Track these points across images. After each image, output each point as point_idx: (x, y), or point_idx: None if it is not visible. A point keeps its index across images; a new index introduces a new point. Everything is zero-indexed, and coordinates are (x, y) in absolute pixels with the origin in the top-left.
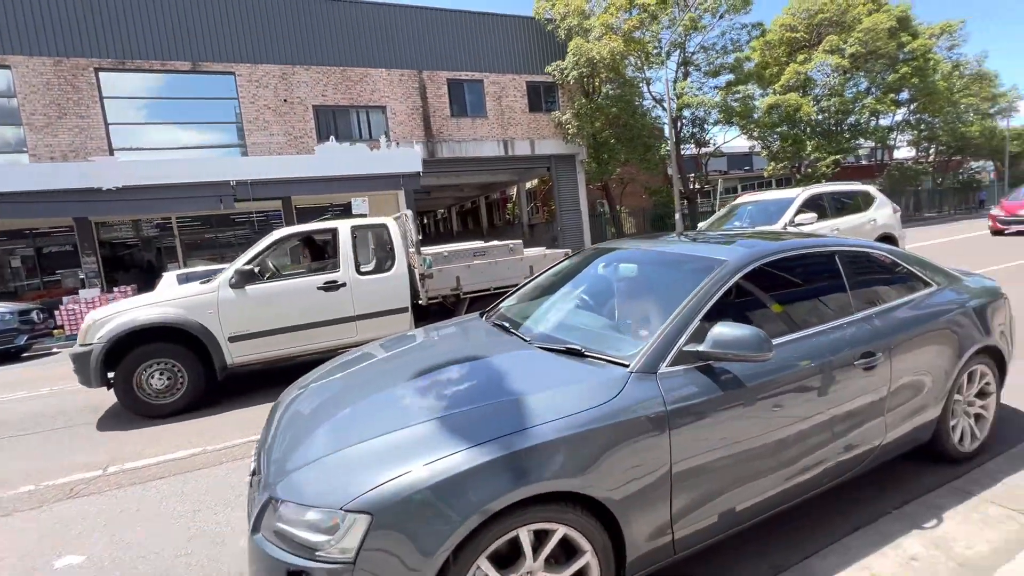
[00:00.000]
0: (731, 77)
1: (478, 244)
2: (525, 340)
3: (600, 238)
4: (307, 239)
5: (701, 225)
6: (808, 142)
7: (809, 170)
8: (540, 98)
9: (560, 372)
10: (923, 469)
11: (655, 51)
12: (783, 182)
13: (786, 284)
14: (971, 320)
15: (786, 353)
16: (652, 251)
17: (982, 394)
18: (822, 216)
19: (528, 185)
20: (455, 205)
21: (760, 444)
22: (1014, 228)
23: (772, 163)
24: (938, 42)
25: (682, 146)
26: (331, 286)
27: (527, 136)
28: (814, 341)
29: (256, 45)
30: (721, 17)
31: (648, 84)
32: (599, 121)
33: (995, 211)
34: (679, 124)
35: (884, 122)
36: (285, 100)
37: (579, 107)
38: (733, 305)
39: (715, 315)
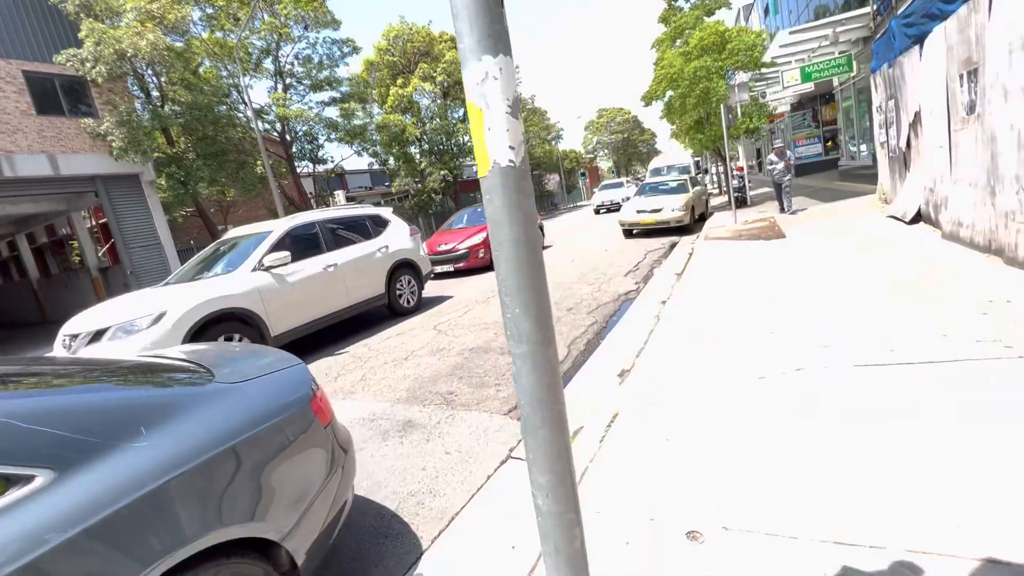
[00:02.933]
0: (335, 94)
1: None
2: None
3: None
4: None
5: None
6: (421, 159)
7: (419, 185)
8: (58, 98)
9: None
10: None
11: (246, 55)
12: (405, 197)
13: None
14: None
15: None
16: None
17: None
18: (312, 251)
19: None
20: None
21: None
22: (441, 267)
23: (395, 179)
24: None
25: (298, 163)
26: None
27: (40, 149)
28: None
29: None
30: (307, 28)
31: (239, 91)
32: (166, 131)
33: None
34: (287, 139)
35: None
36: None
37: (123, 114)
38: None
39: None
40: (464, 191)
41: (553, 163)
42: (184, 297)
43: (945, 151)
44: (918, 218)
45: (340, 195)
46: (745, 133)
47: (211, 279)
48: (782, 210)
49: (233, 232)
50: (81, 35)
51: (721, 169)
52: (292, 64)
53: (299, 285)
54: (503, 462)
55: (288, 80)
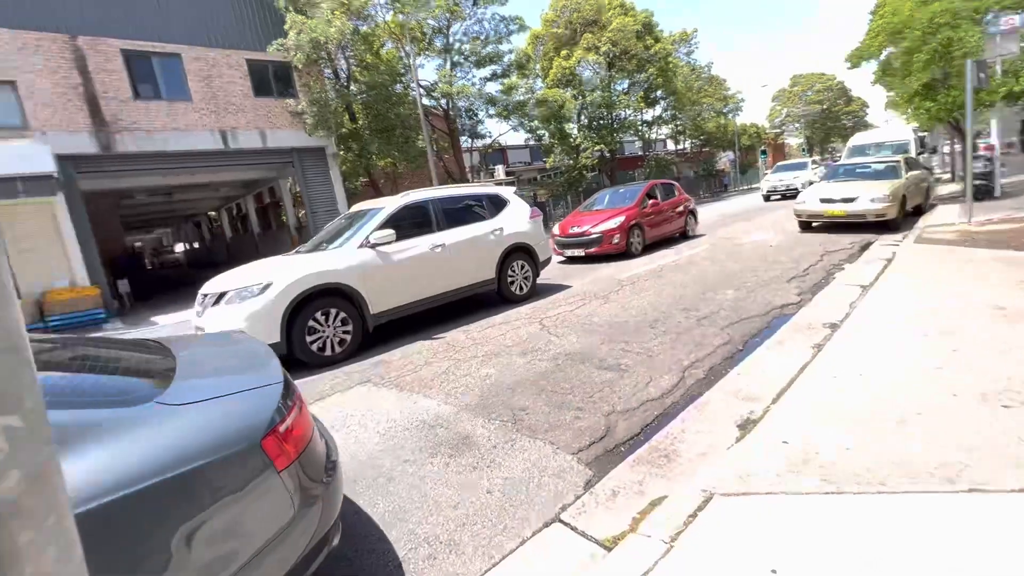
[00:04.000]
0: (497, 68)
1: None
2: None
3: None
4: None
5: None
6: (574, 134)
7: (571, 161)
8: (270, 81)
9: None
10: None
11: (421, 35)
12: (556, 173)
13: None
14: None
15: None
16: None
17: None
18: (422, 230)
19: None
20: (223, 207)
21: None
22: (571, 252)
23: (550, 156)
24: (678, 48)
25: (460, 139)
26: None
27: (255, 126)
28: None
29: None
30: (475, 5)
31: (413, 71)
32: (347, 110)
33: (555, 230)
34: (451, 115)
35: (647, 117)
36: None
37: (317, 94)
38: None
39: None
40: (622, 168)
41: (727, 139)
42: (290, 270)
43: None
44: None
45: (500, 169)
46: (1006, 99)
47: (322, 253)
48: None
49: (358, 206)
50: (286, 27)
51: (958, 148)
52: (460, 41)
53: (403, 264)
54: (547, 524)
55: (456, 58)
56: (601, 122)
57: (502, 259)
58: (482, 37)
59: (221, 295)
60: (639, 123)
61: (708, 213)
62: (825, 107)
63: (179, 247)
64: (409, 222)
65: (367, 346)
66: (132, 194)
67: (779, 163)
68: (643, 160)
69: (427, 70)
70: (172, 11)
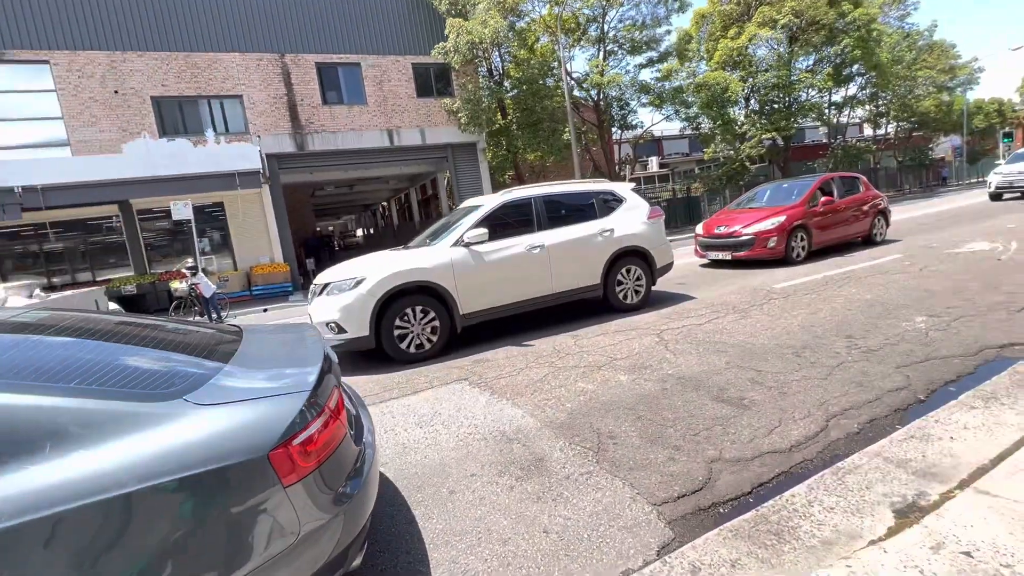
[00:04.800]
0: (653, 54)
1: None
2: None
3: None
4: None
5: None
6: (739, 121)
7: (732, 152)
8: (431, 82)
9: None
10: None
11: (574, 27)
12: (715, 165)
13: None
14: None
15: None
16: None
17: None
18: (521, 230)
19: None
20: (392, 198)
21: None
22: (714, 254)
23: (710, 146)
24: (887, 12)
25: (612, 129)
26: None
27: (417, 125)
28: None
29: (75, 29)
30: None
31: (561, 64)
32: (498, 106)
33: (699, 229)
34: (601, 106)
35: (836, 98)
36: (116, 91)
37: (471, 93)
38: None
39: None
40: (798, 159)
41: (952, 121)
42: (382, 267)
43: None
44: None
45: (653, 161)
46: None
47: (420, 250)
48: None
49: (468, 202)
50: (446, 31)
51: None
52: (615, 29)
53: (496, 265)
54: None
55: (610, 46)
56: (775, 105)
57: (610, 263)
58: (638, 22)
59: (325, 286)
60: (825, 105)
61: (911, 212)
62: None
63: (359, 232)
64: (509, 221)
65: (470, 342)
66: (322, 186)
67: (1019, 151)
68: (827, 148)
69: (580, 61)
70: (354, 23)
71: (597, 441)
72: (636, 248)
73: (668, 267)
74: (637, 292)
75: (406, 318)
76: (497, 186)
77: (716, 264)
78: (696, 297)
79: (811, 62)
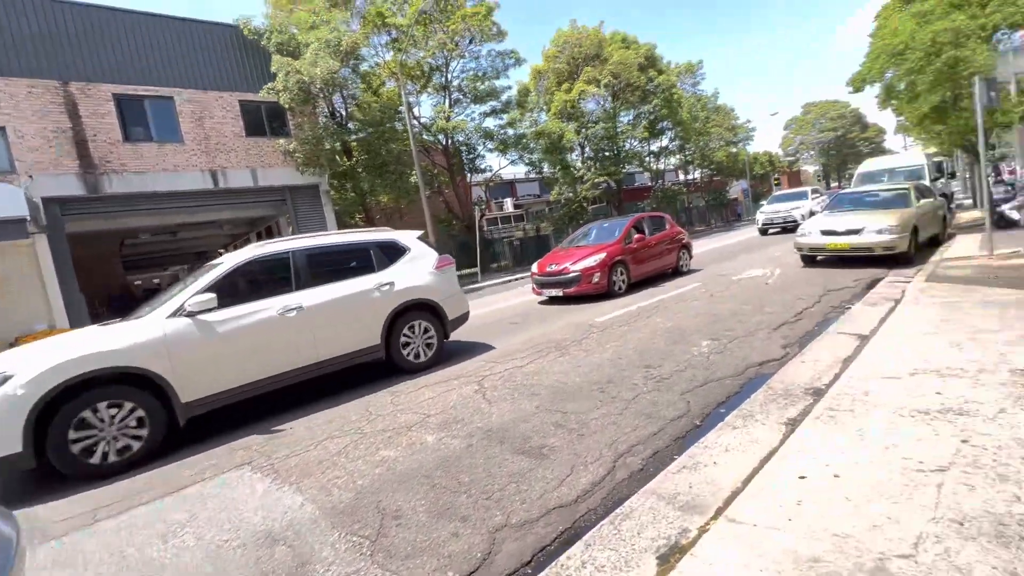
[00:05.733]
0: (496, 104)
1: None
2: None
3: None
4: None
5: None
6: (580, 166)
7: (572, 194)
8: (263, 121)
9: None
10: None
11: (418, 74)
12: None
13: None
14: None
15: None
16: None
17: None
18: (273, 290)
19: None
20: (231, 244)
21: None
22: (549, 291)
23: (554, 188)
24: (683, 79)
25: (460, 174)
26: None
27: (247, 165)
28: None
29: None
30: (472, 42)
31: (408, 109)
32: (343, 148)
33: (534, 268)
34: (450, 150)
35: (654, 147)
36: None
37: (308, 133)
38: None
39: None
40: (629, 200)
41: (738, 168)
42: (45, 355)
43: None
44: None
45: (508, 203)
46: None
47: (125, 323)
48: None
49: (218, 259)
50: (272, 69)
51: (979, 173)
52: (458, 79)
53: (236, 335)
54: None
55: (455, 95)
56: (605, 153)
57: (391, 319)
58: (480, 73)
59: None
60: (644, 154)
61: (714, 244)
62: (840, 134)
63: None
64: (259, 279)
65: (274, 410)
66: (135, 234)
67: (776, 193)
68: (651, 191)
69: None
70: (164, 54)
71: (379, 525)
72: (423, 301)
73: (463, 318)
74: (428, 348)
75: (86, 423)
76: (345, 228)
77: (553, 301)
78: (525, 336)
79: (631, 117)
